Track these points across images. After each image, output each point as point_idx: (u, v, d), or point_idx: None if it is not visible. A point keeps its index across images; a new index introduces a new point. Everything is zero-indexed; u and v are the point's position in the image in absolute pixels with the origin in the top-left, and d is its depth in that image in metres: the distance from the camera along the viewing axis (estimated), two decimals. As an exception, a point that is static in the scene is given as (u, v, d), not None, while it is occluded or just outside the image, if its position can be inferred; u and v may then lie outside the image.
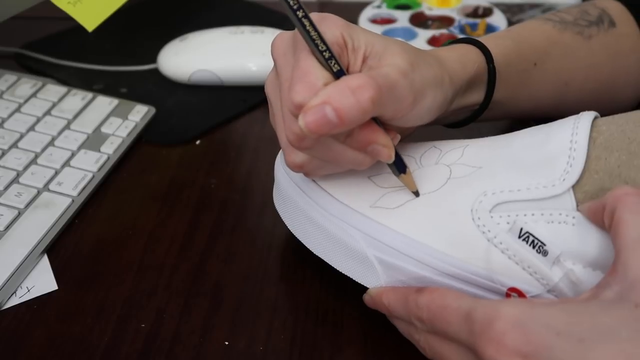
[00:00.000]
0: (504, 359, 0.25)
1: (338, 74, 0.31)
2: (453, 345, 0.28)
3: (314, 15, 0.32)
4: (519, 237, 0.30)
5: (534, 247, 0.30)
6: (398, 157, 0.33)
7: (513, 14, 0.68)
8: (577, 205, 0.30)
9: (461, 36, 0.57)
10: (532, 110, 0.45)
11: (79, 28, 0.51)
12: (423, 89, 0.33)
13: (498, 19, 0.65)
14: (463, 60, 0.38)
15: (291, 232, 0.43)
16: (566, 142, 0.30)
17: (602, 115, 0.34)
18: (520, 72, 0.41)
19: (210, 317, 0.37)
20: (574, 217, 0.30)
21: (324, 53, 0.30)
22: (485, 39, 0.40)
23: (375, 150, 0.32)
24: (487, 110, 0.41)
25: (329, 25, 0.32)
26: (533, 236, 0.30)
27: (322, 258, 0.36)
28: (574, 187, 0.30)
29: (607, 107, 0.44)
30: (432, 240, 0.32)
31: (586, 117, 0.31)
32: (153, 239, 0.42)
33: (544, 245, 0.30)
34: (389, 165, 0.34)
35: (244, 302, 0.38)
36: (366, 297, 0.34)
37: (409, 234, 0.33)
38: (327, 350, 0.35)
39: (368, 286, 0.34)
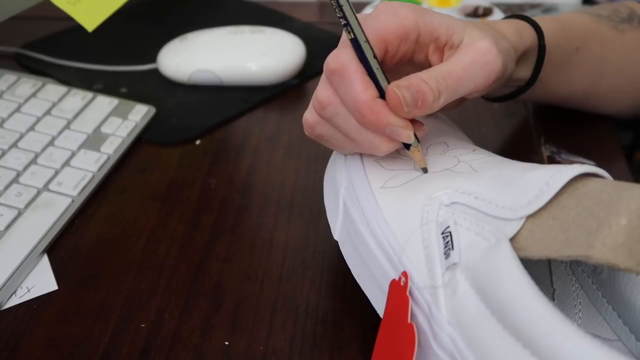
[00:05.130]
0: None
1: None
2: None
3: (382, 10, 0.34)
4: (442, 232, 0.30)
5: (445, 246, 0.30)
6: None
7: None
8: (513, 238, 0.28)
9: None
10: (567, 95, 0.47)
11: (79, 28, 0.51)
12: (507, 60, 0.35)
13: (498, 19, 0.65)
14: (520, 33, 0.39)
15: (291, 233, 0.43)
16: (543, 178, 0.29)
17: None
18: (563, 55, 0.43)
19: (210, 317, 0.37)
20: (496, 239, 0.28)
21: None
22: (533, 18, 0.42)
23: (395, 132, 0.33)
24: (524, 95, 0.43)
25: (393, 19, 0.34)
26: (450, 237, 0.30)
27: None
28: (527, 220, 0.28)
29: (634, 104, 0.49)
30: (386, 205, 0.33)
31: (578, 168, 0.29)
32: (153, 239, 0.42)
33: (452, 249, 0.29)
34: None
35: (244, 302, 0.38)
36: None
37: (375, 193, 0.34)
38: (327, 350, 0.35)
39: (330, 224, 0.37)
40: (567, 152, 0.49)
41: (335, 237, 0.36)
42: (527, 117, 0.53)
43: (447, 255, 0.30)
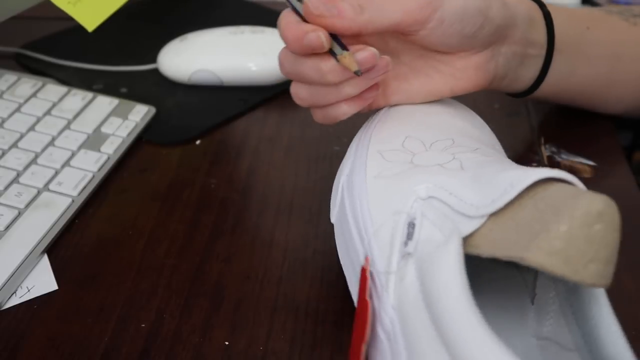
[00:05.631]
0: None
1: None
2: None
3: None
4: (407, 224, 0.31)
5: (407, 236, 0.30)
6: (337, 40, 0.34)
7: (513, 14, 0.67)
8: (472, 234, 0.28)
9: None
10: (590, 79, 0.46)
11: (79, 28, 0.51)
12: None
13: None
14: None
15: (291, 233, 0.43)
16: (510, 179, 0.29)
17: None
18: (574, 30, 0.43)
19: (210, 317, 0.37)
20: (447, 235, 0.29)
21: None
22: None
23: (308, 39, 0.34)
24: (550, 75, 0.42)
25: None
26: (413, 228, 0.30)
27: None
28: (489, 218, 0.28)
29: None
30: (373, 193, 0.34)
31: (543, 172, 0.28)
32: (153, 239, 0.42)
33: (411, 239, 0.30)
34: (332, 52, 0.35)
35: (244, 302, 0.38)
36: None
37: (368, 181, 0.35)
38: (327, 350, 0.35)
39: (331, 209, 0.37)
40: (567, 152, 0.49)
41: (332, 220, 0.37)
42: (527, 117, 0.53)
43: (405, 244, 0.30)
